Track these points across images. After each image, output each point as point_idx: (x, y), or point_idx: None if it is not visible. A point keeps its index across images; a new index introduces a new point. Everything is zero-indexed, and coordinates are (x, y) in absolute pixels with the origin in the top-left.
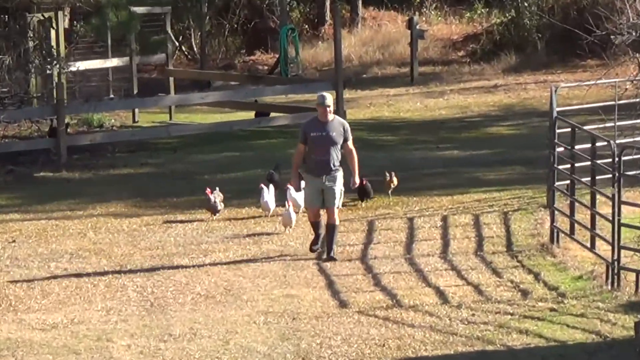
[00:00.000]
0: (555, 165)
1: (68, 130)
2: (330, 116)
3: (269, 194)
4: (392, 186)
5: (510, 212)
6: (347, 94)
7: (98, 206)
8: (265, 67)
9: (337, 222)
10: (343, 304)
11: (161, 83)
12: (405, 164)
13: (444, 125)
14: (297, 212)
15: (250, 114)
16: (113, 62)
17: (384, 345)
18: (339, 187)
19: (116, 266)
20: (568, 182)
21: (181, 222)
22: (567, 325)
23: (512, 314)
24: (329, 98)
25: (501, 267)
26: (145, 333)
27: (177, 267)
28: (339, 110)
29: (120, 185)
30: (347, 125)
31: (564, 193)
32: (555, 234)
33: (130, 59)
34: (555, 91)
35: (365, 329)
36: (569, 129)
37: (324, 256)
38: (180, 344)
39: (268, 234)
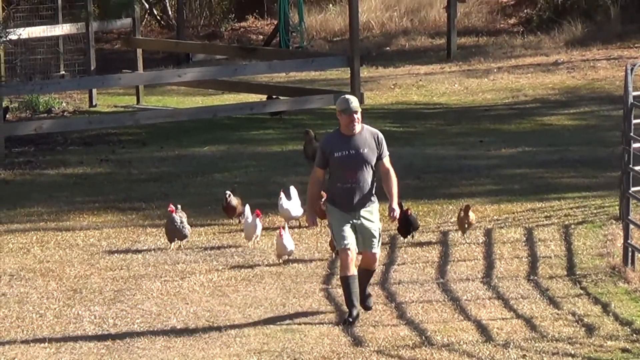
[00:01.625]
0: (631, 166)
1: (7, 116)
2: (358, 126)
3: (289, 199)
4: (467, 225)
5: (572, 226)
6: (365, 72)
7: (45, 215)
8: (260, 37)
9: (375, 268)
10: (358, 342)
11: (126, 56)
12: (438, 163)
13: (489, 113)
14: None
15: (242, 97)
16: (64, 28)
17: None
18: (377, 224)
19: (68, 291)
20: None
21: (151, 235)
22: None
23: (573, 356)
24: (356, 102)
25: (560, 295)
26: None
27: (146, 292)
28: (355, 93)
29: (74, 188)
30: (380, 137)
31: None
32: (629, 254)
33: (86, 25)
34: (632, 70)
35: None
36: None
37: (362, 304)
38: None
39: (262, 251)
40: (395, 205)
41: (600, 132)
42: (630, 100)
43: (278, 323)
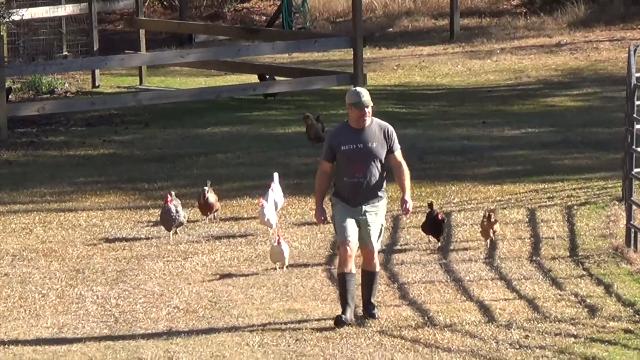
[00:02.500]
0: (634, 147)
1: (9, 97)
2: (369, 120)
3: (269, 208)
4: (492, 233)
5: (575, 207)
6: (368, 53)
7: (48, 195)
8: (263, 18)
9: (378, 269)
10: (360, 322)
11: (129, 37)
12: (442, 144)
13: (491, 94)
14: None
15: (245, 78)
16: (67, 9)
17: None
18: (380, 220)
19: (71, 271)
20: None
21: (154, 216)
22: None
23: (576, 336)
24: (367, 96)
25: (563, 276)
26: (107, 357)
27: (148, 272)
28: (357, 73)
29: (77, 168)
30: (390, 130)
31: None
32: (632, 235)
33: (89, 5)
34: (635, 52)
35: (389, 353)
36: None
37: (360, 313)
38: None
39: (265, 231)
40: (408, 197)
41: (603, 113)
42: (633, 81)
43: (280, 303)
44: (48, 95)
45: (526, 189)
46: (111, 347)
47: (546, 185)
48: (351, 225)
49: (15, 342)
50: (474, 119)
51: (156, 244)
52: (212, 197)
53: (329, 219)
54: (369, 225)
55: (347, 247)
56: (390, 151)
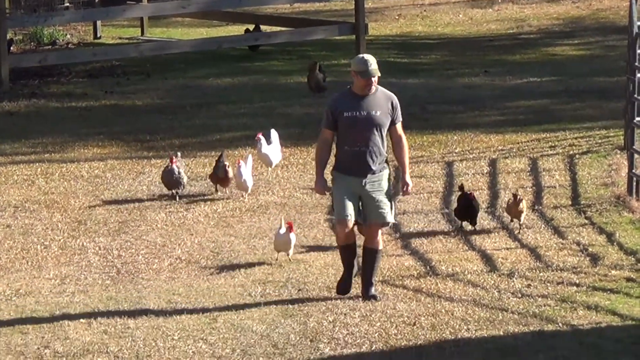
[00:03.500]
0: (636, 96)
1: (11, 48)
2: (374, 88)
3: (269, 144)
4: (520, 213)
5: (577, 156)
6: (370, 3)
7: (50, 146)
8: None
9: (380, 247)
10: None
11: None
12: (443, 94)
13: (493, 43)
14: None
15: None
16: None
17: (414, 324)
18: (386, 191)
19: (73, 222)
20: None
21: (156, 167)
22: None
23: (578, 285)
24: (375, 64)
25: (565, 225)
26: (110, 307)
27: (150, 223)
28: (359, 24)
29: (78, 120)
30: (395, 101)
31: None
32: (634, 184)
33: None
34: (637, 0)
35: (391, 303)
36: None
37: (361, 294)
38: (155, 321)
39: (267, 182)
40: (408, 178)
41: (605, 62)
42: (635, 30)
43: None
44: (50, 47)
45: (528, 138)
46: (113, 298)
47: (548, 135)
48: (350, 203)
49: (18, 293)
50: (476, 69)
51: (158, 195)
52: (231, 171)
53: (328, 193)
54: (373, 198)
55: (345, 224)
56: (392, 123)
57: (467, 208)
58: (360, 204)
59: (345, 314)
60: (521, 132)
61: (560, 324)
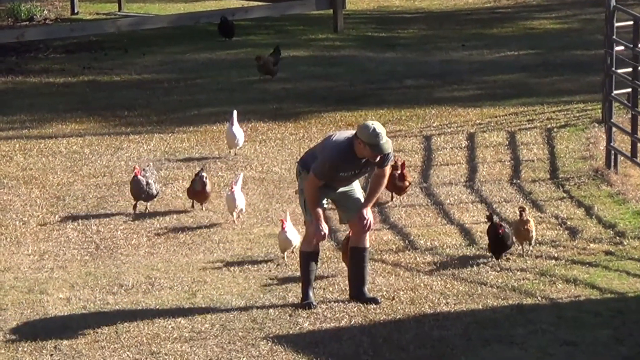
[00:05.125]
0: (613, 69)
1: None
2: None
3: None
4: (528, 233)
5: (555, 129)
6: None
7: (28, 122)
8: None
9: (368, 245)
10: (340, 246)
11: None
12: (421, 68)
13: (470, 17)
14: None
15: (224, 3)
16: None
17: (393, 298)
18: (358, 188)
19: (52, 198)
20: (629, 90)
21: (134, 142)
22: (627, 273)
23: (556, 259)
24: (385, 134)
25: (543, 198)
26: (89, 283)
27: (129, 199)
28: None
29: (56, 95)
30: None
31: (623, 104)
32: (612, 157)
33: None
34: None
35: (370, 277)
36: (631, 22)
37: (362, 297)
38: (134, 296)
39: (245, 157)
40: (368, 211)
41: (583, 35)
42: (613, 3)
43: (261, 228)
44: (27, 23)
45: (506, 112)
46: (92, 273)
47: (526, 108)
48: (322, 203)
49: None
50: (453, 42)
51: None
52: (209, 186)
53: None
54: (350, 195)
55: (320, 218)
56: (380, 166)
57: (499, 240)
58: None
59: (324, 289)
60: (499, 106)
61: (539, 298)
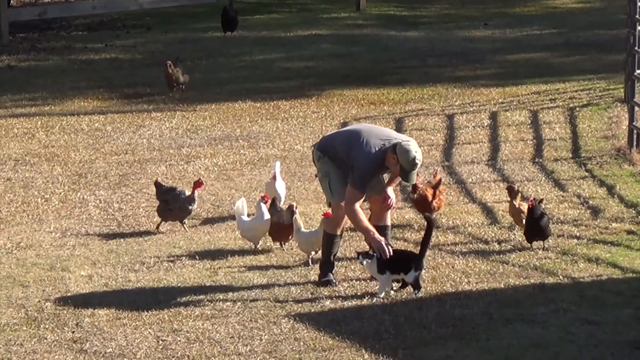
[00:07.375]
0: (637, 48)
1: (10, 2)
2: None
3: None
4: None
5: (577, 108)
6: None
7: (50, 99)
8: None
9: (389, 223)
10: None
11: None
12: (443, 47)
13: None
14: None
15: None
16: None
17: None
18: None
19: (74, 175)
20: None
21: (156, 119)
22: None
23: (578, 237)
24: (415, 176)
25: (565, 177)
26: (110, 261)
27: (151, 176)
28: None
29: (79, 73)
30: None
31: None
32: (634, 136)
33: None
34: None
35: None
36: None
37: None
38: (156, 274)
39: (267, 135)
40: (391, 191)
41: (605, 14)
42: None
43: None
44: (49, 0)
45: (528, 90)
46: (114, 251)
47: (548, 87)
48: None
49: (19, 246)
50: (476, 21)
51: (159, 147)
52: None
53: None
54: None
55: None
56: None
57: (534, 223)
58: None
59: (345, 267)
60: (521, 85)
61: (560, 277)
